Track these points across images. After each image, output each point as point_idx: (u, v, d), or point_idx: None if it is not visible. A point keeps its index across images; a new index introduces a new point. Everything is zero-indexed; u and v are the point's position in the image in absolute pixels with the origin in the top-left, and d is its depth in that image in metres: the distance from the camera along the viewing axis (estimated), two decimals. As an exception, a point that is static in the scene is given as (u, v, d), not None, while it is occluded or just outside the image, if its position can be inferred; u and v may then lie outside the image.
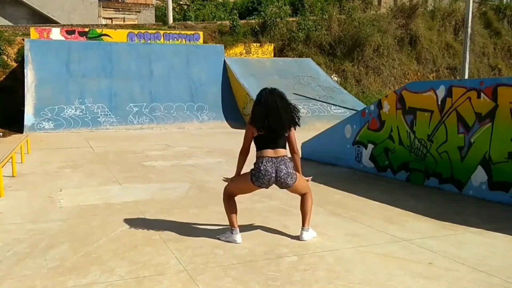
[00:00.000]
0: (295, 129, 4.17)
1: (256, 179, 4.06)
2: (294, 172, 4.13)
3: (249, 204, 5.41)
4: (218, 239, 4.26)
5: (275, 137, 4.06)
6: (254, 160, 4.12)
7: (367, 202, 5.79)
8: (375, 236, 4.43)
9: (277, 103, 3.99)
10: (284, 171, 4.04)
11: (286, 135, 4.11)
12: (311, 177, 4.51)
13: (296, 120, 4.10)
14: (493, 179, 5.71)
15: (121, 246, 4.11)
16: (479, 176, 5.87)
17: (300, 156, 4.45)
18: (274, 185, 4.18)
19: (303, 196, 4.30)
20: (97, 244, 4.17)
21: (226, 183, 4.35)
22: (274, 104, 3.98)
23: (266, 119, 3.96)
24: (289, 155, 4.21)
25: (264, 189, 4.25)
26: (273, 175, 4.03)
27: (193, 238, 4.33)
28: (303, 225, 4.30)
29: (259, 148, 4.11)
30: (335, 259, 3.84)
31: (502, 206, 5.46)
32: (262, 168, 4.02)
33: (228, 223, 4.29)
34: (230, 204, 4.24)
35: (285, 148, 4.13)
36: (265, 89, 4.14)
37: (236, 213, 4.23)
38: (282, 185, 4.12)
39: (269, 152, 4.05)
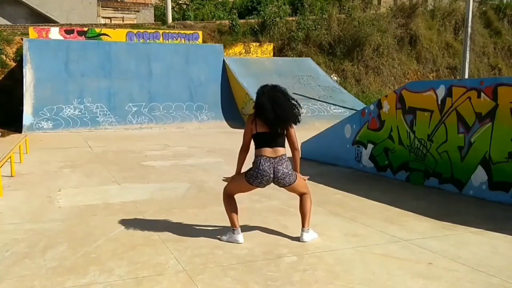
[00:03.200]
0: (295, 125, 4.14)
1: (254, 179, 4.05)
2: (292, 172, 4.12)
3: (249, 204, 5.39)
4: (219, 239, 4.25)
5: (275, 136, 4.04)
6: (253, 159, 4.10)
7: (367, 202, 5.78)
8: (375, 236, 4.41)
9: (280, 98, 3.99)
10: (281, 171, 4.03)
11: (286, 132, 4.09)
12: (308, 176, 4.49)
13: (298, 116, 4.08)
14: (493, 179, 5.70)
15: (120, 246, 4.09)
16: (479, 176, 5.86)
17: (300, 155, 4.43)
18: (273, 186, 4.17)
19: (302, 197, 4.28)
20: (96, 244, 4.15)
21: (225, 183, 4.33)
22: (278, 99, 3.98)
23: (273, 111, 3.92)
24: (289, 153, 4.19)
25: (263, 189, 4.24)
26: (271, 175, 4.01)
27: (192, 238, 4.31)
28: (303, 226, 4.28)
29: (258, 147, 4.09)
30: (334, 259, 3.82)
31: (502, 206, 5.45)
32: (260, 168, 4.01)
33: (227, 223, 4.28)
34: (230, 203, 4.22)
35: (284, 147, 4.11)
36: (266, 85, 4.13)
37: (236, 213, 4.21)
38: (280, 184, 4.12)
39: (267, 151, 4.03)
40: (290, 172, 4.08)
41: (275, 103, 3.94)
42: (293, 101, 4.07)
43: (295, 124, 4.11)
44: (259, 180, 4.04)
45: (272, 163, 4.01)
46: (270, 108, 3.92)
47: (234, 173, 4.29)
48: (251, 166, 4.11)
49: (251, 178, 4.06)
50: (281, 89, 4.08)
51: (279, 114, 3.93)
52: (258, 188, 4.23)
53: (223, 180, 4.40)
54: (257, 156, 4.06)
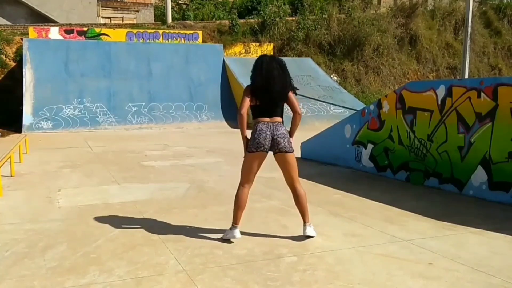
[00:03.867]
0: (293, 92, 4.23)
1: (253, 143, 4.09)
2: (290, 138, 4.18)
3: (248, 204, 5.33)
4: (221, 239, 4.23)
5: (273, 107, 4.13)
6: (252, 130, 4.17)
7: (367, 202, 5.78)
8: (374, 236, 4.41)
9: (278, 69, 4.12)
10: (280, 131, 4.10)
11: (286, 99, 4.18)
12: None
13: (294, 86, 4.23)
14: (493, 179, 5.70)
15: (119, 246, 4.09)
16: (479, 176, 5.85)
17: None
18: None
19: (295, 191, 4.28)
20: (95, 244, 4.15)
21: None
22: (275, 71, 4.10)
23: (267, 89, 4.05)
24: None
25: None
26: (269, 133, 4.08)
27: (192, 238, 4.31)
28: (305, 221, 4.29)
29: (255, 117, 4.19)
30: (334, 259, 3.82)
31: (502, 206, 5.45)
32: (257, 129, 4.10)
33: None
34: (241, 198, 4.19)
35: (281, 117, 4.20)
36: (264, 55, 4.25)
37: (242, 210, 4.21)
38: (279, 145, 4.09)
39: (265, 119, 4.14)
40: (288, 136, 4.16)
41: (270, 78, 4.07)
42: (289, 76, 4.21)
43: (294, 91, 4.22)
44: (257, 140, 4.06)
45: (270, 126, 4.11)
46: (265, 88, 4.07)
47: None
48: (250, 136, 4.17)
49: (250, 143, 4.11)
50: (279, 60, 4.21)
51: (272, 87, 4.06)
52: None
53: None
54: (255, 123, 4.17)
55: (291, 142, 4.19)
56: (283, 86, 4.13)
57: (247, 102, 4.15)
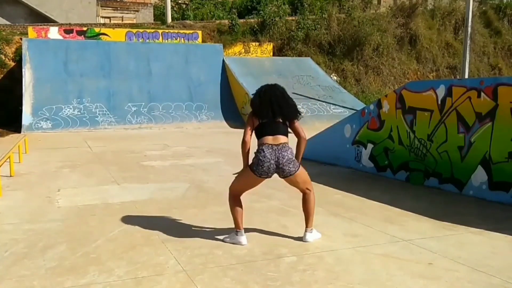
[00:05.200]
0: (297, 119, 4.18)
1: (257, 167, 4.02)
2: (295, 160, 4.11)
3: (248, 204, 5.35)
4: (223, 241, 4.22)
5: (276, 125, 4.07)
6: (256, 151, 4.11)
7: (367, 202, 5.77)
8: (374, 236, 4.41)
9: (278, 96, 4.07)
10: (286, 157, 4.02)
11: (290, 126, 4.14)
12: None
13: (298, 112, 4.16)
14: (493, 179, 5.70)
15: (119, 246, 4.09)
16: (479, 176, 5.85)
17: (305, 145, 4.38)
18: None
19: (305, 195, 4.24)
20: (95, 244, 4.15)
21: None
22: (276, 96, 4.07)
23: (271, 107, 4.01)
24: (292, 146, 4.20)
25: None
26: (273, 162, 3.99)
27: (191, 238, 4.31)
28: (307, 226, 4.26)
29: (259, 137, 4.11)
30: (334, 259, 3.82)
31: (502, 206, 5.44)
32: (261, 154, 4.01)
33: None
34: (235, 204, 4.19)
35: (285, 136, 4.11)
36: (266, 85, 4.22)
37: (241, 214, 4.19)
38: (284, 172, 4.05)
39: (268, 139, 4.04)
40: (293, 159, 4.08)
41: (272, 101, 4.03)
42: (291, 100, 4.15)
43: (297, 118, 4.16)
44: (262, 168, 4.00)
45: (275, 150, 4.01)
46: (268, 103, 4.02)
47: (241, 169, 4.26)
48: (254, 157, 4.11)
49: (254, 167, 4.05)
50: (280, 88, 4.15)
51: (275, 110, 4.02)
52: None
53: (233, 174, 4.35)
54: (259, 145, 4.09)
55: (296, 164, 4.10)
56: (284, 107, 4.07)
57: (250, 129, 4.10)
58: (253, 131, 4.11)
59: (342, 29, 22.80)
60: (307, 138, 4.28)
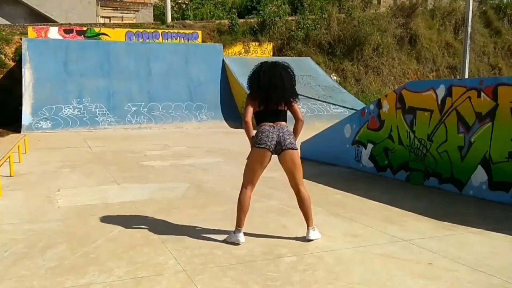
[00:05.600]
0: (294, 101, 4.21)
1: (260, 140, 4.06)
2: (294, 139, 4.18)
3: (248, 204, 5.38)
4: (223, 241, 4.21)
5: (275, 112, 4.12)
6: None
7: (367, 202, 5.77)
8: (374, 236, 4.41)
9: (277, 78, 4.07)
10: (285, 131, 4.10)
11: (288, 108, 4.18)
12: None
13: (296, 95, 4.20)
14: (493, 179, 5.69)
15: (119, 246, 4.08)
16: (479, 176, 5.85)
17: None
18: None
19: (299, 194, 4.23)
20: (95, 245, 4.14)
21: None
22: (276, 78, 4.05)
23: (270, 93, 4.04)
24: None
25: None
26: (274, 134, 4.07)
27: (191, 238, 4.30)
28: (308, 224, 4.25)
29: (258, 123, 4.17)
30: (334, 259, 3.81)
31: (502, 206, 5.44)
32: (261, 130, 4.09)
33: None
34: (244, 199, 4.16)
35: (285, 121, 4.19)
36: (266, 63, 4.21)
37: (246, 213, 4.18)
38: (286, 142, 4.08)
39: (268, 124, 4.13)
40: (293, 135, 4.16)
41: (270, 88, 4.04)
42: (289, 83, 4.15)
43: (295, 101, 4.20)
44: (263, 138, 4.05)
45: (274, 128, 4.10)
46: (264, 94, 4.05)
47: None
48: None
49: (256, 142, 4.09)
50: (283, 66, 4.19)
51: (272, 98, 4.05)
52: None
53: (246, 159, 4.33)
54: (259, 127, 4.16)
55: (295, 141, 4.18)
56: (284, 94, 4.10)
57: (250, 109, 4.15)
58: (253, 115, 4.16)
59: (342, 29, 22.80)
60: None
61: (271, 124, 4.12)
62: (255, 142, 4.12)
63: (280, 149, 4.11)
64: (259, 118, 4.18)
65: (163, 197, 6.08)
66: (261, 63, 4.24)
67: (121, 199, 5.90)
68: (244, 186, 4.19)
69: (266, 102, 4.09)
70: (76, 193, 6.29)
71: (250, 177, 4.19)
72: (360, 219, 4.99)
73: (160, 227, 4.64)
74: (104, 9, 25.40)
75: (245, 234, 4.29)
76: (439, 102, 6.40)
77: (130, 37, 19.31)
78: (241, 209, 4.16)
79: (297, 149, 4.21)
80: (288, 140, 4.10)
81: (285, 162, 4.16)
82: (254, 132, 4.20)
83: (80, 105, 16.11)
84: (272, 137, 4.07)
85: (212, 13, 25.16)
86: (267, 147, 4.07)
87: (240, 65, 18.84)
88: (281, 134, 4.09)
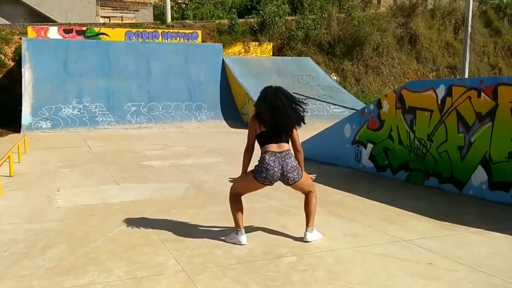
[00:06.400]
0: (299, 126, 4.12)
1: (259, 174, 3.98)
2: (299, 166, 4.08)
3: (248, 204, 5.34)
4: (224, 241, 4.21)
5: (279, 133, 4.02)
6: (259, 158, 4.07)
7: (367, 202, 5.77)
8: (374, 236, 4.40)
9: (282, 102, 3.95)
10: (290, 164, 3.99)
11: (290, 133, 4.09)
12: (315, 175, 4.47)
13: (301, 120, 4.07)
14: (493, 179, 5.69)
15: (119, 246, 4.08)
16: (479, 175, 5.85)
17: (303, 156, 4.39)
18: (272, 185, 4.14)
19: (307, 195, 4.24)
20: (95, 244, 4.14)
21: (225, 183, 4.31)
22: (280, 102, 3.94)
23: (272, 117, 3.93)
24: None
25: (263, 189, 4.21)
26: (278, 170, 3.96)
27: (191, 238, 4.30)
28: (307, 225, 4.25)
29: (262, 145, 4.07)
30: (334, 259, 3.81)
31: (502, 206, 5.44)
32: (265, 162, 3.96)
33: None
34: (236, 204, 4.17)
35: (288, 143, 4.09)
36: (269, 87, 4.10)
37: (242, 214, 4.17)
38: (289, 180, 4.03)
39: (272, 147, 4.00)
40: (297, 166, 4.05)
41: (274, 111, 3.92)
42: (296, 106, 4.03)
43: (299, 126, 4.10)
44: (265, 175, 3.96)
45: (278, 157, 3.98)
46: (270, 115, 3.93)
47: (239, 174, 4.24)
48: (257, 164, 4.07)
49: (257, 174, 4.00)
50: (284, 92, 4.05)
51: (278, 120, 3.93)
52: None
53: (229, 181, 4.35)
54: (263, 152, 4.05)
55: (300, 171, 4.08)
56: (288, 117, 3.98)
57: (253, 137, 4.06)
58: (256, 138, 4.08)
59: (342, 28, 22.80)
60: (307, 138, 4.27)
61: (275, 150, 3.98)
62: (259, 175, 3.98)
63: (284, 182, 4.08)
64: (263, 139, 4.04)
65: (163, 197, 6.08)
66: (266, 88, 4.08)
67: (121, 199, 5.89)
68: (232, 194, 4.19)
69: (270, 126, 3.97)
70: (76, 193, 6.29)
71: (242, 192, 4.21)
72: (360, 219, 4.98)
73: (160, 227, 4.63)
74: (104, 9, 25.39)
75: (245, 234, 4.29)
76: (439, 102, 6.40)
77: (130, 37, 19.31)
78: (236, 211, 4.16)
79: (302, 178, 4.09)
80: (292, 178, 4.01)
81: (292, 187, 4.17)
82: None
83: (79, 105, 16.12)
84: (275, 172, 3.95)
85: (212, 13, 25.16)
86: (268, 182, 4.02)
87: (240, 65, 18.84)
88: (285, 171, 3.96)
